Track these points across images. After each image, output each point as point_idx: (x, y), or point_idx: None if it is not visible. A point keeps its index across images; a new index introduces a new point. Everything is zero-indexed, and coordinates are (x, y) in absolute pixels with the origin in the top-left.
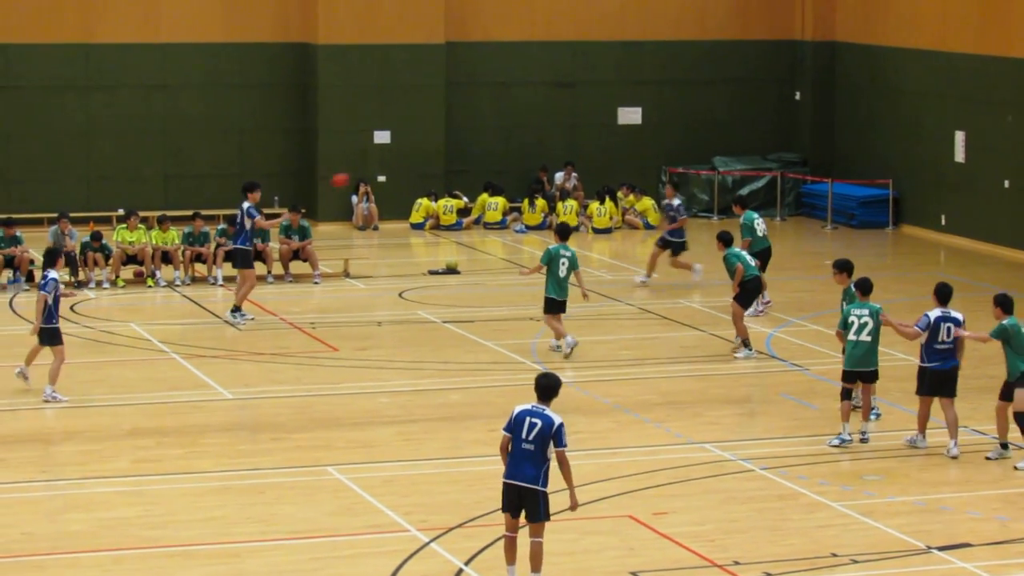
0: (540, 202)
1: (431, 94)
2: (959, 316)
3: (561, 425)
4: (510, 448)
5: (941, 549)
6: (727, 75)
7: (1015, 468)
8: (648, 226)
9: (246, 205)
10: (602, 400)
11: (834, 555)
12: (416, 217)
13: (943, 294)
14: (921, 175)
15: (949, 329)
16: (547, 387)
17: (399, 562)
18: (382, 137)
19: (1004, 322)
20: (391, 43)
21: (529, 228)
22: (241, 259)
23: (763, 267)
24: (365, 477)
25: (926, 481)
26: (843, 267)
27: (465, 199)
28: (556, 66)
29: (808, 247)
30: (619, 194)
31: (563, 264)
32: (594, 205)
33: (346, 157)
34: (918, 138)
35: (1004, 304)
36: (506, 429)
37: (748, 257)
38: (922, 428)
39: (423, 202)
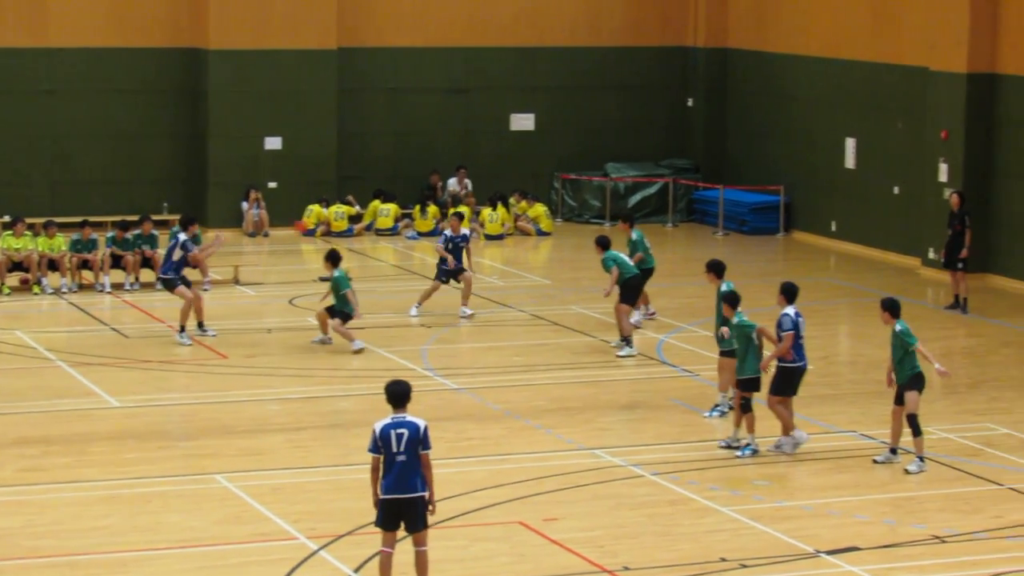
0: (432, 208)
1: (323, 100)
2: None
3: (427, 428)
4: (382, 466)
5: (829, 553)
6: (620, 81)
7: (905, 471)
8: (540, 232)
9: (182, 237)
10: (493, 406)
11: (723, 560)
12: (307, 223)
13: (791, 293)
14: (812, 181)
15: (803, 324)
16: (400, 394)
17: (287, 570)
18: (273, 143)
19: (897, 329)
20: (283, 48)
21: (421, 235)
22: (167, 285)
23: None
24: (253, 485)
25: (814, 486)
26: (713, 268)
27: (356, 206)
28: (449, 72)
29: (699, 253)
30: (511, 200)
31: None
32: (486, 211)
33: (237, 163)
34: (809, 144)
35: (892, 308)
36: (373, 451)
37: (625, 257)
38: (792, 425)
39: (314, 208)
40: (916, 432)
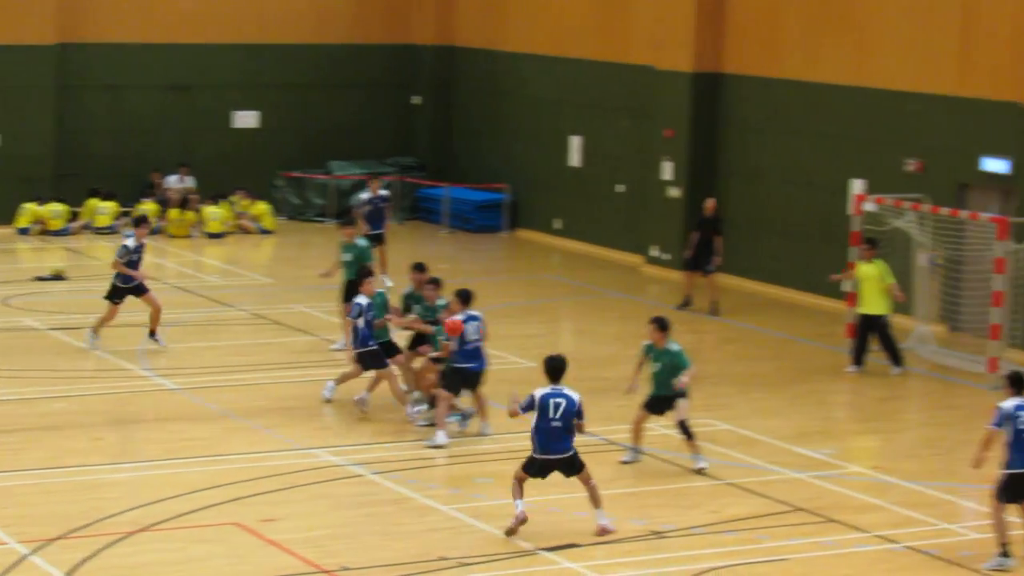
0: (152, 206)
1: (40, 96)
2: (479, 314)
3: (581, 401)
4: (536, 428)
5: (549, 550)
6: (346, 79)
7: (621, 462)
8: (262, 231)
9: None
10: (210, 406)
11: (443, 558)
12: (22, 222)
13: (466, 297)
14: (537, 179)
15: (476, 328)
16: (558, 368)
17: None
18: None
19: (675, 349)
20: None
21: None
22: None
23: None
24: None
25: (534, 483)
26: (435, 280)
27: (68, 206)
28: (172, 69)
29: (424, 251)
30: (234, 198)
31: None
32: (208, 209)
33: None
34: (535, 143)
35: (665, 327)
36: (526, 408)
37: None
38: (443, 423)
39: (29, 207)
40: (689, 435)
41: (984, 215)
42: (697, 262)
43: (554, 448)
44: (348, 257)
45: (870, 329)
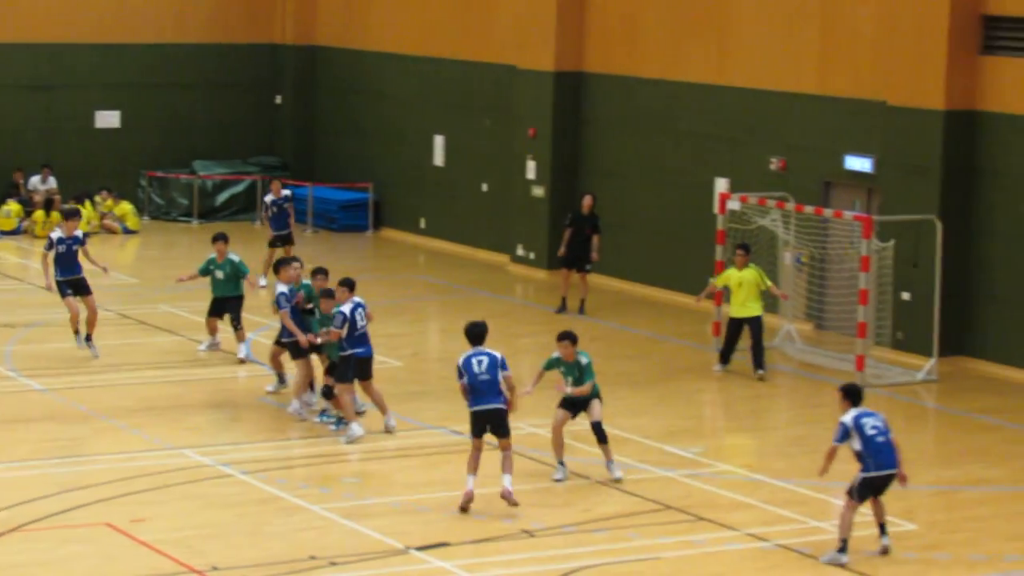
0: (15, 207)
1: None
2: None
3: (503, 356)
4: (469, 386)
5: (419, 549)
6: (208, 79)
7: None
8: (127, 231)
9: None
10: (78, 407)
11: (313, 558)
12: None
13: (351, 285)
14: (401, 179)
15: (362, 314)
16: (480, 334)
17: None
18: None
19: (585, 362)
20: None
21: (4, 234)
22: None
23: (222, 314)
24: None
25: (405, 482)
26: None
27: None
28: (31, 69)
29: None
30: (97, 198)
31: None
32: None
33: None
34: (399, 142)
35: (575, 339)
36: (460, 379)
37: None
38: (352, 415)
39: None
40: (604, 439)
41: (848, 213)
42: (572, 260)
43: (485, 400)
44: (220, 275)
45: (743, 330)
